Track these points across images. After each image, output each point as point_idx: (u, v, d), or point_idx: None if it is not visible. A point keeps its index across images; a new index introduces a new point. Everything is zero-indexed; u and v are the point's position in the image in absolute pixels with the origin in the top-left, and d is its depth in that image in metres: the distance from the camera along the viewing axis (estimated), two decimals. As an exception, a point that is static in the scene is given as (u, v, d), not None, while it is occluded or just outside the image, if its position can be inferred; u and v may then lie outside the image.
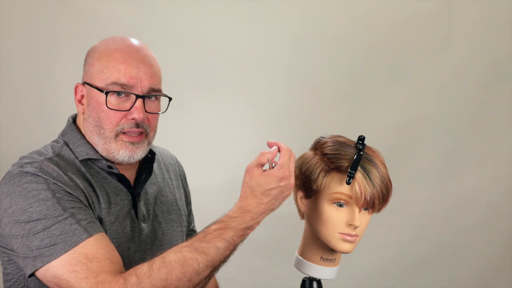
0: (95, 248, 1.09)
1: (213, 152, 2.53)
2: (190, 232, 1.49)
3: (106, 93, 1.18)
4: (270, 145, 1.16)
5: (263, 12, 2.56)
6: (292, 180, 1.13)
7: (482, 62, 2.69)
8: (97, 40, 1.28)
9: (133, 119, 1.20)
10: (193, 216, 1.51)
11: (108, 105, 1.19)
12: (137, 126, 1.21)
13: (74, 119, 1.29)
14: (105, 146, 1.21)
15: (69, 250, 1.08)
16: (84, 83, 1.23)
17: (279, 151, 1.15)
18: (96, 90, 1.20)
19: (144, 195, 1.30)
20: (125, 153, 1.21)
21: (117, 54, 1.20)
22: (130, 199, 1.26)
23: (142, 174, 1.30)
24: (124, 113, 1.20)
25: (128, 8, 2.41)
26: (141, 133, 1.22)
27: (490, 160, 2.77)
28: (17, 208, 1.10)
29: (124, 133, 1.21)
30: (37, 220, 1.09)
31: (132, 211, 1.26)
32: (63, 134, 1.26)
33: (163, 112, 1.28)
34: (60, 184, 1.12)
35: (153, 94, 1.23)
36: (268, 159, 1.13)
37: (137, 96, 1.19)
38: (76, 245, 1.08)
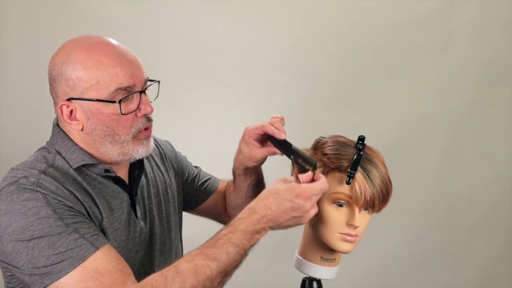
0: (105, 261, 1.07)
1: (213, 152, 2.53)
2: (205, 179, 1.57)
3: (119, 102, 1.15)
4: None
5: (263, 12, 2.56)
6: (310, 213, 1.09)
7: (482, 62, 2.69)
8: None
9: (144, 115, 1.19)
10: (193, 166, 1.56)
11: (122, 112, 1.16)
12: (148, 120, 1.21)
13: (57, 123, 1.24)
14: (121, 150, 1.20)
15: (78, 265, 1.06)
16: (71, 99, 1.16)
17: (313, 178, 1.11)
18: (95, 102, 1.15)
19: (139, 190, 1.30)
20: (143, 150, 1.21)
21: (105, 59, 1.15)
22: (128, 199, 1.25)
23: (134, 170, 1.29)
24: (133, 113, 1.18)
25: (127, 8, 2.40)
26: (150, 126, 1.23)
27: (490, 160, 2.77)
28: (17, 227, 1.07)
29: (139, 132, 1.20)
30: (40, 237, 1.06)
31: (132, 211, 1.26)
32: (52, 142, 1.22)
33: (156, 97, 1.27)
34: (60, 199, 1.10)
35: (148, 85, 1.21)
36: (296, 174, 1.10)
37: (140, 92, 1.18)
38: (84, 260, 1.06)
